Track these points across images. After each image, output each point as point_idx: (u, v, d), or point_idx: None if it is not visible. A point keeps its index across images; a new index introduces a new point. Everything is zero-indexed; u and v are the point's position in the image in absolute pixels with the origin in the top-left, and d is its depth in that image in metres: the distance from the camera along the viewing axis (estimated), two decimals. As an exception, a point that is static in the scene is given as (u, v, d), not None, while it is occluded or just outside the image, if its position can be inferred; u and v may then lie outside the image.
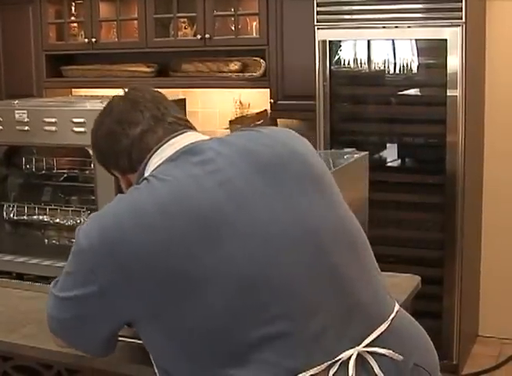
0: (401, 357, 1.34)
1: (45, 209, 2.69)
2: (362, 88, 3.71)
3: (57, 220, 2.67)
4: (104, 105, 1.65)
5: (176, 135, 1.51)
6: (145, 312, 1.34)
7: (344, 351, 1.30)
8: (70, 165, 2.70)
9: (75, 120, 2.41)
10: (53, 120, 2.45)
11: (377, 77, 3.58)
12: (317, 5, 3.52)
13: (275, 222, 1.35)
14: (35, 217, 2.70)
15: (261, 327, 1.28)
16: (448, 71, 3.32)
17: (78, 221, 2.63)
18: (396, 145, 3.65)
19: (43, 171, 2.71)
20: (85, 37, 4.39)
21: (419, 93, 3.60)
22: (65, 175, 2.73)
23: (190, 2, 4.13)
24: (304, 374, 1.26)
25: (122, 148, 1.53)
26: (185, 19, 4.25)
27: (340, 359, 1.29)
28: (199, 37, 4.09)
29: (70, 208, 2.67)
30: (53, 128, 2.45)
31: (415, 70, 3.48)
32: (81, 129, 2.40)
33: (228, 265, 1.29)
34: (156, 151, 1.49)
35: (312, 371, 1.27)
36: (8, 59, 4.65)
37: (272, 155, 1.43)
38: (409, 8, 3.36)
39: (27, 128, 2.49)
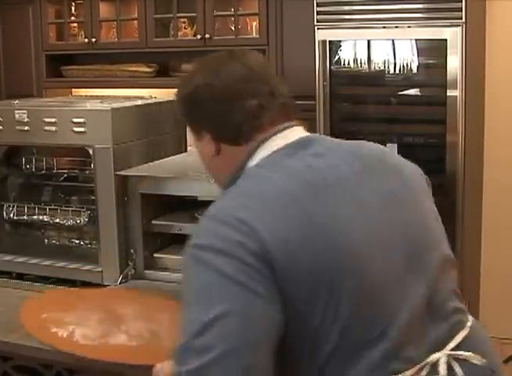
0: (485, 361, 1.36)
1: (45, 209, 2.69)
2: (362, 88, 3.70)
3: (57, 220, 2.67)
4: (205, 59, 1.52)
5: (287, 128, 1.44)
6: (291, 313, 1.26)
7: (430, 354, 1.32)
8: (70, 165, 2.71)
9: (75, 120, 2.41)
10: (53, 120, 2.45)
11: (377, 77, 3.58)
12: (317, 5, 3.52)
13: (392, 222, 1.37)
14: (35, 217, 2.71)
15: (378, 326, 1.28)
16: (448, 71, 3.32)
17: (78, 221, 2.64)
18: (396, 145, 3.65)
19: (43, 171, 2.72)
20: (85, 37, 4.39)
21: (419, 93, 3.60)
22: (65, 175, 2.74)
23: (190, 2, 4.13)
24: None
25: (233, 117, 1.42)
26: (185, 19, 4.25)
27: (429, 362, 1.31)
28: (199, 37, 4.09)
29: (70, 208, 2.67)
30: (53, 128, 2.45)
31: (415, 70, 3.48)
32: (81, 129, 2.40)
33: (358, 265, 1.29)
34: (270, 138, 1.42)
35: (408, 373, 1.29)
36: (8, 59, 4.64)
37: (377, 159, 1.47)
38: (409, 8, 3.36)
39: (27, 128, 2.49)
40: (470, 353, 1.35)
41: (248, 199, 1.30)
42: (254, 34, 4.07)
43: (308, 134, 1.47)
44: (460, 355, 1.34)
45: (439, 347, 1.34)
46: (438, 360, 1.32)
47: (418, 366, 1.30)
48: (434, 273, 1.39)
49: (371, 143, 1.55)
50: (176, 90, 1.53)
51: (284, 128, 1.44)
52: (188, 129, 1.57)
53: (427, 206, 1.52)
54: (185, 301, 1.24)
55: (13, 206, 2.72)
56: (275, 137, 1.42)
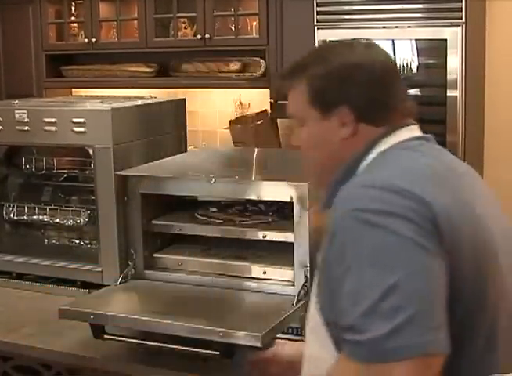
0: None
1: (45, 209, 2.69)
2: (362, 88, 3.70)
3: (57, 220, 2.67)
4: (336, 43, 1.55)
5: (412, 123, 1.46)
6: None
7: None
8: (70, 165, 2.70)
9: (75, 120, 2.41)
10: (53, 120, 2.45)
11: (377, 77, 3.58)
12: (317, 5, 3.52)
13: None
14: (35, 217, 2.71)
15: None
16: (448, 71, 3.32)
17: (78, 221, 2.63)
18: (396, 145, 3.65)
19: (43, 171, 2.71)
20: (85, 37, 4.39)
21: (419, 93, 3.60)
22: (65, 175, 2.74)
23: (190, 2, 4.13)
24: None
25: (382, 96, 1.42)
26: (185, 19, 4.25)
27: None
28: (199, 37, 4.09)
29: (70, 208, 2.67)
30: (53, 128, 2.45)
31: (415, 70, 3.48)
32: (81, 129, 2.40)
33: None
34: (403, 127, 1.42)
35: None
36: (8, 59, 4.65)
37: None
38: (409, 8, 3.36)
39: (27, 128, 2.49)
40: None
41: (402, 172, 1.30)
42: (254, 34, 4.07)
43: (422, 134, 1.49)
44: None
45: None
46: None
47: None
48: None
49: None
50: (312, 65, 1.47)
51: (411, 123, 1.45)
52: (300, 111, 1.50)
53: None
54: (352, 266, 1.19)
55: (13, 206, 2.72)
56: (405, 129, 1.43)
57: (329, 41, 3.54)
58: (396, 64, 1.59)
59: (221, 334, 1.77)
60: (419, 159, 1.36)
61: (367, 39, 1.56)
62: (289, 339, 1.86)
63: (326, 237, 1.26)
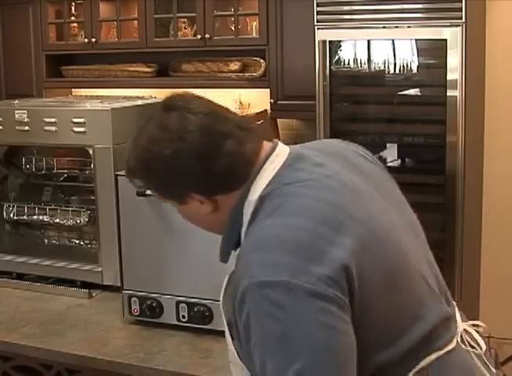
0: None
1: (45, 209, 2.69)
2: (362, 88, 3.71)
3: (57, 220, 2.67)
4: (154, 124, 1.43)
5: (274, 148, 1.41)
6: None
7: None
8: (70, 165, 2.71)
9: (75, 120, 2.41)
10: (53, 120, 2.45)
11: (377, 77, 3.58)
12: (317, 5, 3.52)
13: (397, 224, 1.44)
14: (35, 217, 2.71)
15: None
16: (448, 71, 3.32)
17: (78, 221, 2.64)
18: (396, 145, 3.65)
19: (43, 171, 2.72)
20: (85, 37, 4.39)
21: (419, 93, 3.60)
22: (65, 175, 2.74)
23: (190, 2, 4.13)
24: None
25: (222, 167, 1.34)
26: (185, 19, 4.25)
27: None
28: (199, 37, 4.09)
29: (70, 208, 2.68)
30: (53, 128, 2.45)
31: (415, 70, 3.48)
32: (81, 129, 2.40)
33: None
34: (265, 164, 1.38)
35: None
36: (8, 59, 4.64)
37: (363, 162, 1.52)
38: (409, 8, 3.35)
39: (27, 128, 2.49)
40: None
41: (300, 229, 1.26)
42: (254, 34, 4.07)
43: (288, 147, 1.46)
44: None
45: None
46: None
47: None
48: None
49: (333, 141, 1.62)
50: (134, 163, 1.42)
51: (272, 150, 1.41)
52: (163, 200, 1.46)
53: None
54: (257, 344, 1.21)
55: (13, 206, 2.72)
56: (269, 161, 1.38)
57: (329, 41, 3.55)
58: (216, 108, 1.43)
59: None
60: (307, 195, 1.32)
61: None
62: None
63: (236, 300, 1.25)
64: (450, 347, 1.38)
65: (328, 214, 1.29)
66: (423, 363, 1.33)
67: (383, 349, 1.29)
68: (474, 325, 1.52)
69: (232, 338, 1.36)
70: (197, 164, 1.34)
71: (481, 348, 1.45)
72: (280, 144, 1.44)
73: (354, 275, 1.23)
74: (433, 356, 1.34)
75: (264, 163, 1.38)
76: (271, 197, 1.33)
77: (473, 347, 1.44)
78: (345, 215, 1.30)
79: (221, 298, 1.45)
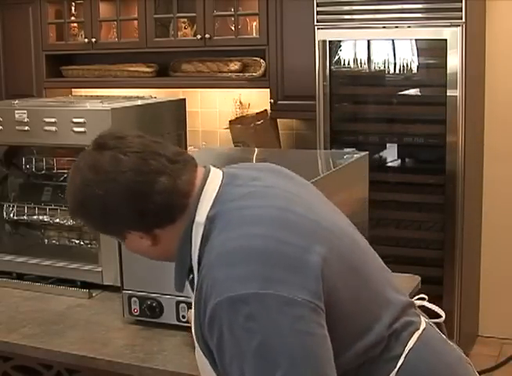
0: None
1: (45, 209, 2.69)
2: (362, 88, 3.71)
3: (57, 220, 2.67)
4: (86, 166, 1.42)
5: (207, 174, 1.41)
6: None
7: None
8: (70, 165, 2.70)
9: (75, 120, 2.41)
10: (53, 120, 2.45)
11: (377, 77, 3.59)
12: (317, 5, 3.52)
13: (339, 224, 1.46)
14: (35, 217, 2.71)
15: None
16: (448, 71, 3.32)
17: (78, 221, 2.64)
18: (396, 145, 3.65)
19: (43, 171, 2.71)
20: (85, 37, 4.39)
21: (419, 93, 3.60)
22: (65, 175, 2.74)
23: (190, 2, 4.13)
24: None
25: (156, 204, 1.34)
26: (185, 19, 4.26)
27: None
28: (199, 37, 4.09)
29: (70, 208, 2.67)
30: (53, 128, 2.45)
31: (415, 70, 3.48)
32: (81, 129, 2.40)
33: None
34: (203, 188, 1.38)
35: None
36: (8, 59, 4.65)
37: (293, 175, 1.53)
38: (409, 8, 3.36)
39: (27, 128, 2.49)
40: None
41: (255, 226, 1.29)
42: (254, 34, 4.08)
43: (219, 169, 1.46)
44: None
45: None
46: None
47: None
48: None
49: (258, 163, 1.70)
50: (72, 204, 1.43)
51: (206, 174, 1.41)
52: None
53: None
54: (233, 358, 1.21)
55: (13, 206, 2.72)
56: (207, 184, 1.39)
57: (329, 41, 3.55)
58: (148, 144, 1.39)
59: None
60: (255, 206, 1.33)
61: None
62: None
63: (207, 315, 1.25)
64: (424, 325, 1.45)
65: (284, 219, 1.30)
66: (410, 343, 1.37)
67: (362, 337, 1.32)
68: (419, 299, 1.64)
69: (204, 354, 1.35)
70: (131, 203, 1.34)
71: (441, 316, 1.57)
72: (212, 167, 1.45)
73: (324, 277, 1.24)
74: (415, 336, 1.39)
75: (202, 188, 1.38)
76: (220, 215, 1.33)
77: (432, 317, 1.53)
78: (300, 217, 1.32)
79: (192, 330, 1.39)
